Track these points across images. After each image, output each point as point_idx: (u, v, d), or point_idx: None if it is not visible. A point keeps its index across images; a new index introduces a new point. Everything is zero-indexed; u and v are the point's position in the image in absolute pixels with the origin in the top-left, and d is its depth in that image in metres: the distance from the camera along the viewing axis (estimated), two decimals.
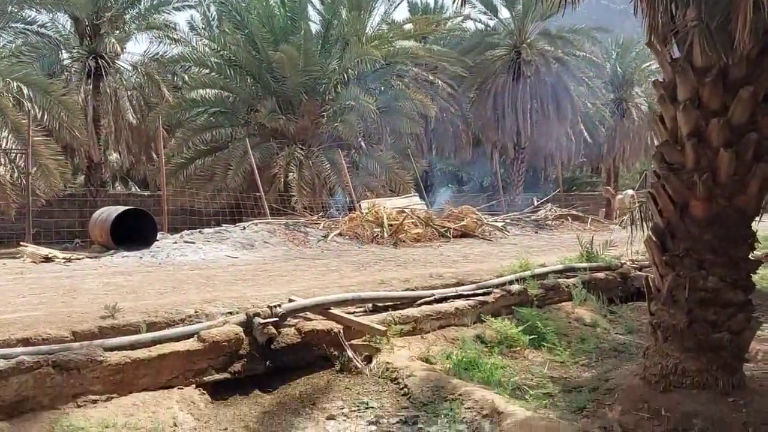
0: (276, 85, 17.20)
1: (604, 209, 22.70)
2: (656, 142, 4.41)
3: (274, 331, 4.83)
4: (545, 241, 12.06)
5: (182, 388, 4.39)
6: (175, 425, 3.94)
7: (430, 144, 28.95)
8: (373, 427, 3.99)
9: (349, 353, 5.06)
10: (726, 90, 3.90)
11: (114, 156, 24.51)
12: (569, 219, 14.96)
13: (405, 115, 19.44)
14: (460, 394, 4.25)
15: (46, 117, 14.56)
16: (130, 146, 21.16)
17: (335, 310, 5.47)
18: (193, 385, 4.45)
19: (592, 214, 16.59)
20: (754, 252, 4.17)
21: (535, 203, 16.90)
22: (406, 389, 4.55)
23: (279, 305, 5.10)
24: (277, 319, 4.94)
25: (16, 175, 13.86)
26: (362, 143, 18.19)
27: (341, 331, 5.21)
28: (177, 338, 4.51)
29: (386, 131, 20.06)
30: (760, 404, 3.89)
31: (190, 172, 17.29)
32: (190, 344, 4.52)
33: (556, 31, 25.50)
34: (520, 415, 3.79)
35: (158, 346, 4.40)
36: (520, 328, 5.92)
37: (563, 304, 7.18)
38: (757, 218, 4.38)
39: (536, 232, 13.45)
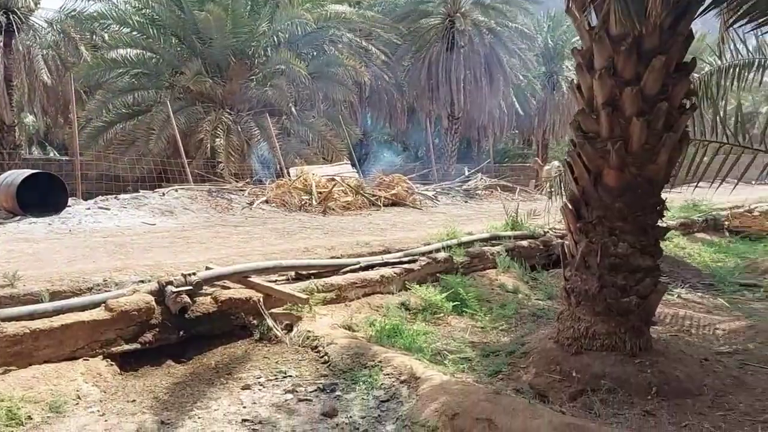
0: (202, 46, 16.51)
1: (534, 180, 23.28)
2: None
3: (188, 299, 4.66)
4: (474, 210, 12.22)
5: (88, 360, 4.18)
6: (79, 397, 3.75)
7: (365, 112, 28.77)
8: (290, 396, 3.92)
9: (269, 322, 4.95)
10: (640, 59, 3.95)
11: (30, 119, 23.10)
12: (499, 189, 15.22)
13: (338, 81, 19.13)
14: (380, 361, 4.23)
15: None
16: (46, 108, 19.97)
17: (255, 279, 5.33)
18: (100, 356, 4.25)
19: (522, 185, 16.95)
20: (663, 219, 4.30)
21: (467, 173, 17.08)
22: (326, 357, 4.49)
23: (194, 273, 4.92)
24: (191, 287, 4.76)
25: None
26: (293, 109, 17.78)
27: (261, 299, 5.08)
28: (82, 308, 4.28)
29: (319, 97, 19.70)
30: (664, 365, 4.06)
31: (110, 136, 16.45)
32: (97, 314, 4.30)
33: (489, 1, 25.60)
34: (436, 379, 3.80)
35: (61, 316, 4.16)
36: (444, 295, 5.96)
37: (488, 271, 7.30)
38: (667, 187, 4.53)
39: (466, 202, 13.63)
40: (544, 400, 3.82)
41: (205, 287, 4.98)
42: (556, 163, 17.21)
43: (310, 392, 4.00)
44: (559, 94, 33.10)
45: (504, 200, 13.79)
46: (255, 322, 5.00)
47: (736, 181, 5.84)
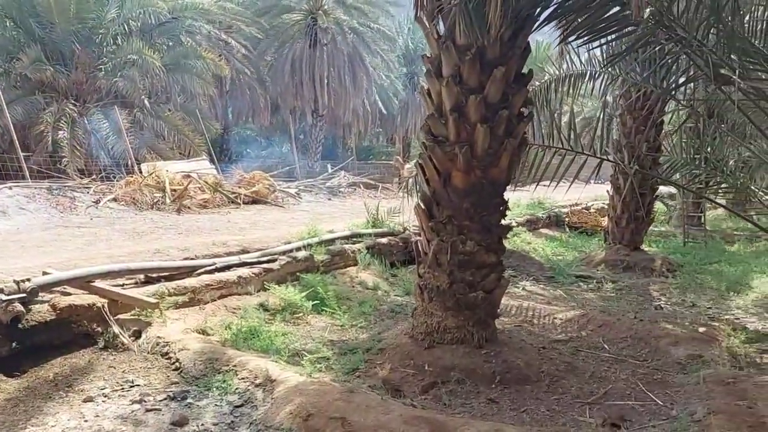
0: (42, 31, 15.14)
1: (397, 178, 23.94)
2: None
3: (20, 308, 4.26)
4: (337, 208, 12.33)
5: None
6: None
7: (226, 107, 27.93)
8: (137, 406, 3.72)
9: (115, 329, 4.67)
10: (483, 69, 4.21)
11: None
12: (362, 187, 15.46)
13: (196, 74, 18.40)
14: (234, 365, 4.15)
15: None
16: None
17: (99, 283, 5.00)
18: None
19: (386, 183, 17.35)
20: (512, 216, 4.61)
21: (330, 170, 17.17)
22: (177, 364, 4.32)
23: (28, 279, 4.50)
24: (24, 295, 4.36)
25: None
26: (146, 101, 16.83)
27: (105, 305, 4.77)
28: None
29: (175, 90, 18.83)
30: (506, 354, 4.36)
31: None
32: None
33: (351, 1, 25.93)
34: (292, 381, 3.80)
35: None
36: (304, 294, 5.96)
37: (349, 269, 7.41)
38: (512, 187, 4.86)
39: (330, 199, 13.72)
40: (399, 395, 3.96)
41: (42, 294, 4.59)
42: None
43: (160, 401, 3.83)
44: (420, 95, 34.17)
45: (366, 198, 14.05)
46: (100, 329, 4.69)
47: (577, 181, 6.39)
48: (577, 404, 3.93)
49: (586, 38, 4.48)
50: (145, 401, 3.80)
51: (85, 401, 3.80)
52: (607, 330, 5.46)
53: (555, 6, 4.06)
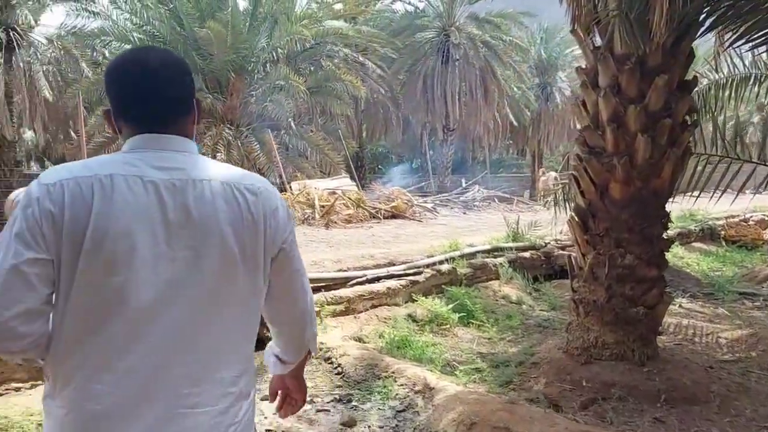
0: (203, 62, 16.66)
1: (528, 190, 23.47)
2: (578, 126, 4.60)
3: None
4: (473, 222, 12.36)
5: None
6: None
7: (360, 125, 28.97)
8: (308, 406, 4.01)
9: None
10: (643, 77, 4.11)
11: (29, 134, 23.17)
12: (496, 200, 15.37)
13: (335, 95, 19.30)
14: (393, 372, 4.34)
15: None
16: (46, 124, 20.00)
17: None
18: None
19: (517, 196, 17.11)
20: (668, 231, 4.43)
21: (464, 185, 17.23)
22: (339, 368, 4.59)
23: None
24: None
25: None
26: (292, 123, 17.93)
27: None
28: None
29: (317, 112, 19.87)
30: (671, 373, 4.17)
31: (112, 151, 16.55)
32: None
33: (484, 15, 25.94)
34: (450, 390, 3.90)
35: None
36: (450, 306, 6.08)
37: (491, 282, 7.43)
38: (671, 199, 4.67)
39: (465, 213, 13.77)
40: (557, 409, 3.93)
41: None
42: (552, 173, 17.40)
43: (327, 403, 4.10)
44: (553, 104, 33.39)
45: (503, 211, 13.96)
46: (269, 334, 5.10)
47: (734, 191, 5.99)
48: (753, 426, 3.68)
49: (755, 42, 4.22)
50: (314, 402, 4.09)
51: (262, 399, 4.15)
52: None
53: (725, 8, 3.87)
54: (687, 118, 4.27)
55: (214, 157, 15.46)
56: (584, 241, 4.48)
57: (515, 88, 30.31)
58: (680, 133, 4.19)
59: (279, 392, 1.77)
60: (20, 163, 19.32)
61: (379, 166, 35.04)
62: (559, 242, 9.14)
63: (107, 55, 17.49)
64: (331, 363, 4.71)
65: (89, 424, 1.23)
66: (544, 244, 8.73)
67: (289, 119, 17.22)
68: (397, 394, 4.08)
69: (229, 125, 16.72)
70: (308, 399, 4.14)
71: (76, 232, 1.18)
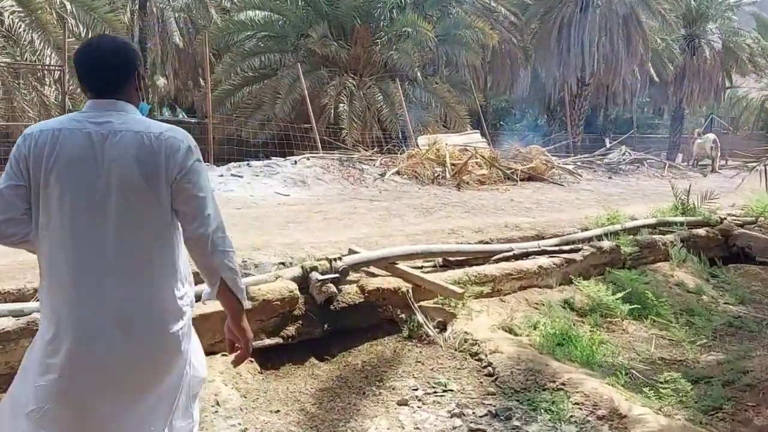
0: (328, 8, 16.00)
1: (681, 155, 21.03)
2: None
3: (334, 289, 4.09)
4: (623, 188, 10.94)
5: (227, 355, 3.72)
6: (218, 403, 3.26)
7: (486, 78, 27.39)
8: (458, 421, 3.22)
9: (420, 318, 4.30)
10: None
11: (161, 81, 23.92)
12: (645, 164, 13.67)
13: (464, 44, 18.01)
14: (563, 383, 3.44)
15: (90, 36, 13.83)
16: (177, 71, 20.43)
17: (402, 266, 4.68)
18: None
19: (667, 160, 15.22)
20: None
21: (608, 144, 15.56)
22: (490, 368, 3.77)
23: (339, 258, 4.34)
24: (337, 274, 4.18)
25: (60, 95, 13.27)
26: (418, 74, 16.93)
27: (410, 290, 4.43)
28: None
29: (442, 62, 18.70)
30: None
31: (237, 99, 16.44)
32: None
33: None
34: (651, 422, 2.97)
35: (198, 304, 3.70)
36: (619, 294, 5.03)
37: (659, 264, 6.30)
38: None
39: (610, 178, 12.27)
40: None
41: (349, 273, 4.39)
42: (711, 135, 15.35)
43: (481, 417, 3.29)
44: (701, 59, 30.02)
45: (654, 177, 12.38)
46: (403, 316, 4.37)
47: None
48: None
49: None
50: (464, 414, 3.29)
51: (399, 404, 3.42)
52: None
53: None
54: None
55: (336, 108, 14.92)
56: None
57: (659, 40, 27.44)
58: None
59: (232, 343, 2.02)
60: (153, 110, 19.90)
61: (501, 122, 33.41)
62: (736, 218, 7.71)
63: (235, 0, 17.28)
64: (480, 360, 3.90)
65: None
66: (719, 220, 7.34)
67: (416, 69, 16.24)
68: (572, 416, 3.19)
69: (352, 75, 16.05)
70: (456, 410, 3.38)
71: (36, 168, 1.73)
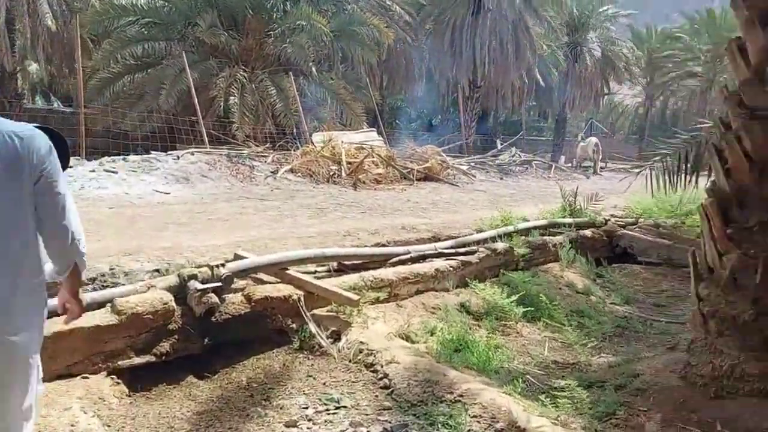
0: None
1: (564, 156, 22.04)
2: (734, 80, 3.41)
3: (215, 299, 3.71)
4: (514, 189, 11.18)
5: (88, 378, 3.25)
6: None
7: (382, 76, 27.41)
8: None
9: (312, 327, 4.01)
10: None
11: (33, 66, 21.88)
12: (534, 166, 14.11)
13: (359, 41, 17.83)
14: (460, 394, 3.28)
15: None
16: (50, 56, 18.69)
17: (293, 271, 4.36)
18: (104, 373, 3.31)
19: (552, 161, 15.85)
20: None
21: (499, 146, 15.96)
22: (386, 380, 3.55)
23: (223, 264, 3.95)
24: (219, 283, 3.79)
25: None
26: (313, 69, 16.54)
27: (302, 298, 4.13)
28: None
29: (338, 58, 18.42)
30: None
31: (117, 89, 15.26)
32: (101, 317, 3.35)
33: None
34: None
35: (54, 320, 3.20)
36: (514, 297, 4.99)
37: (550, 265, 6.37)
38: None
39: (502, 179, 12.54)
40: None
41: (234, 281, 4.02)
42: (593, 139, 16.17)
43: None
44: (582, 66, 31.82)
45: (542, 178, 12.78)
46: (294, 326, 4.07)
47: None
48: None
49: None
50: None
51: (287, 426, 3.11)
52: None
53: None
54: None
55: (227, 101, 14.23)
56: (724, 235, 3.34)
57: (545, 46, 28.76)
58: None
59: (64, 305, 2.25)
60: (22, 96, 18.10)
61: (397, 121, 33.64)
62: (619, 219, 8.03)
63: None
64: (375, 372, 3.67)
65: None
66: (604, 221, 7.61)
67: (310, 64, 15.84)
68: (470, 430, 3.02)
69: (244, 67, 15.39)
70: (349, 429, 3.13)
71: None
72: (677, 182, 5.15)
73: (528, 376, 3.89)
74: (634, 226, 7.75)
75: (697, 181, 5.06)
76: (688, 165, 5.01)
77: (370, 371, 3.70)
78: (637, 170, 6.10)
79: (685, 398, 3.37)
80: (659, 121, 40.20)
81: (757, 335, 3.23)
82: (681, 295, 5.96)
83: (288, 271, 4.30)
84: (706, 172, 5.09)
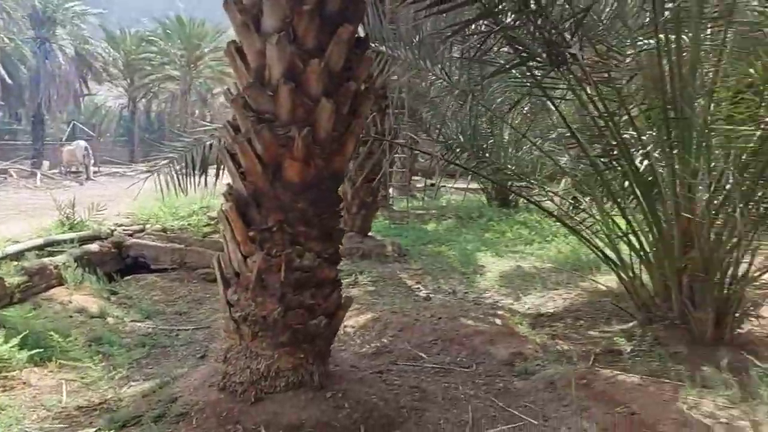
0: None
1: (47, 162, 19.70)
2: (237, 84, 3.39)
3: None
4: None
5: None
6: None
7: None
8: None
9: None
10: (324, 25, 3.19)
11: None
12: (14, 175, 12.09)
13: None
14: None
15: None
16: None
17: None
18: None
19: (21, 168, 14.00)
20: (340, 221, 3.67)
21: None
22: None
23: None
24: None
25: None
26: None
27: None
28: None
29: None
30: (356, 393, 3.45)
31: None
32: None
33: None
34: None
35: None
36: (15, 340, 4.01)
37: (54, 291, 5.48)
38: None
39: None
40: None
41: None
42: (82, 143, 15.01)
43: None
44: (55, 64, 29.78)
45: (27, 188, 11.12)
46: None
47: None
48: None
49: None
50: None
51: None
52: (409, 334, 4.96)
53: None
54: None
55: None
56: (248, 238, 3.33)
57: (7, 39, 25.67)
58: (362, 101, 3.46)
59: None
60: None
61: None
62: (126, 228, 7.56)
63: None
64: None
65: None
66: (110, 232, 7.02)
67: None
68: None
69: None
70: None
71: None
72: (188, 185, 5.03)
73: None
74: (143, 233, 7.41)
75: (206, 183, 5.05)
76: (196, 168, 4.94)
77: None
78: (145, 174, 5.76)
79: (227, 410, 3.23)
80: (146, 123, 40.77)
81: (288, 331, 3.32)
82: (200, 299, 5.94)
83: None
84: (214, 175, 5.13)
